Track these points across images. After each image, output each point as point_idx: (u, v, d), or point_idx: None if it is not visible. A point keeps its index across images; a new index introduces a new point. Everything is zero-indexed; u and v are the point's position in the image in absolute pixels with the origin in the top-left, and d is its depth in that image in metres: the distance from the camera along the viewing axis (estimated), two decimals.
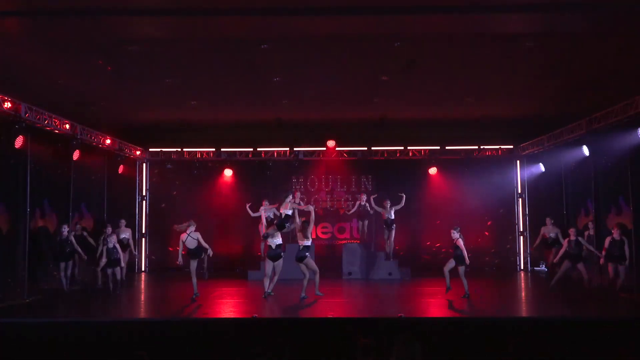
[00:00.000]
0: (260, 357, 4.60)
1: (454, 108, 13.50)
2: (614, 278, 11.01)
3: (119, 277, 11.93)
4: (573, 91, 11.64)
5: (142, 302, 11.78)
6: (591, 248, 11.37)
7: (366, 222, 14.89)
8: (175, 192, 16.92)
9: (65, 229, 11.90)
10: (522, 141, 16.21)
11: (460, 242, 10.54)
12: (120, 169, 15.41)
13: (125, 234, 13.61)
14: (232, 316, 9.52)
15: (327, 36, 8.81)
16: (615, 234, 10.89)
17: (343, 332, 6.65)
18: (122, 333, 7.38)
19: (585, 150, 12.69)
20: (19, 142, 10.52)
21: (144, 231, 16.91)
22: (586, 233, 12.70)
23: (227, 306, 10.61)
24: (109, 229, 12.60)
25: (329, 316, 9.00)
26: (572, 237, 11.21)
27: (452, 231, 10.73)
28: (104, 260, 11.69)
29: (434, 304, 10.45)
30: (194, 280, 10.56)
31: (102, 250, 12.05)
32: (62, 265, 11.79)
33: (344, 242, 15.95)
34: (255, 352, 4.71)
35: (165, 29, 8.76)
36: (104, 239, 12.08)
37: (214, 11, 7.87)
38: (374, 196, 14.37)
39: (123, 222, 13.72)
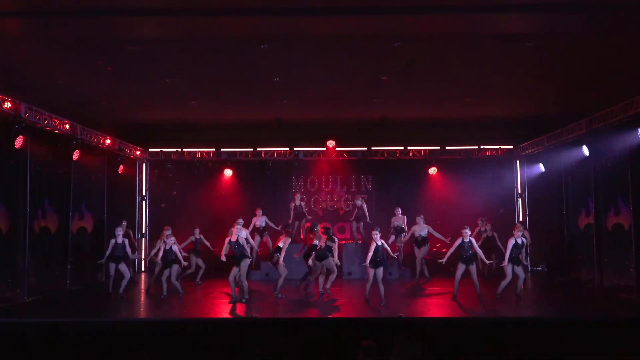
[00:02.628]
0: (260, 357, 4.59)
1: (454, 108, 13.47)
2: (513, 280, 10.62)
3: (173, 279, 11.43)
4: (573, 91, 11.63)
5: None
6: (478, 250, 10.86)
7: (362, 224, 14.94)
8: (175, 192, 16.92)
9: (120, 231, 11.78)
10: (522, 141, 16.21)
11: (385, 244, 10.66)
12: (120, 169, 15.41)
13: (242, 233, 12.45)
14: (232, 316, 9.52)
15: (327, 36, 8.79)
16: (517, 235, 10.64)
17: (343, 332, 6.64)
18: (122, 333, 7.38)
19: (585, 150, 12.68)
20: (19, 142, 10.53)
21: (144, 231, 16.92)
22: (484, 234, 13.31)
23: (227, 306, 10.61)
24: (166, 231, 12.34)
25: (329, 316, 9.01)
26: (466, 239, 10.67)
27: (373, 232, 10.64)
28: (159, 262, 11.56)
29: (434, 304, 10.45)
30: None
31: (158, 250, 11.86)
32: (113, 266, 11.62)
33: (344, 242, 15.93)
34: (255, 352, 4.70)
35: (165, 29, 8.74)
36: (163, 240, 11.76)
37: (214, 11, 7.86)
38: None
39: (241, 221, 12.43)
